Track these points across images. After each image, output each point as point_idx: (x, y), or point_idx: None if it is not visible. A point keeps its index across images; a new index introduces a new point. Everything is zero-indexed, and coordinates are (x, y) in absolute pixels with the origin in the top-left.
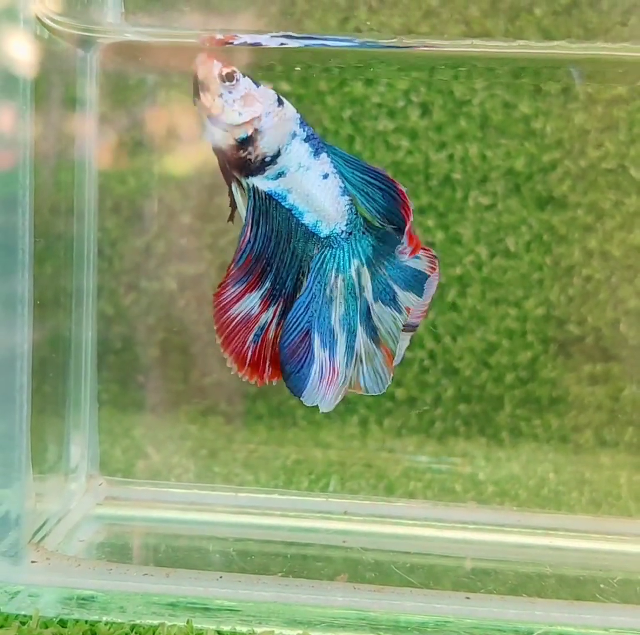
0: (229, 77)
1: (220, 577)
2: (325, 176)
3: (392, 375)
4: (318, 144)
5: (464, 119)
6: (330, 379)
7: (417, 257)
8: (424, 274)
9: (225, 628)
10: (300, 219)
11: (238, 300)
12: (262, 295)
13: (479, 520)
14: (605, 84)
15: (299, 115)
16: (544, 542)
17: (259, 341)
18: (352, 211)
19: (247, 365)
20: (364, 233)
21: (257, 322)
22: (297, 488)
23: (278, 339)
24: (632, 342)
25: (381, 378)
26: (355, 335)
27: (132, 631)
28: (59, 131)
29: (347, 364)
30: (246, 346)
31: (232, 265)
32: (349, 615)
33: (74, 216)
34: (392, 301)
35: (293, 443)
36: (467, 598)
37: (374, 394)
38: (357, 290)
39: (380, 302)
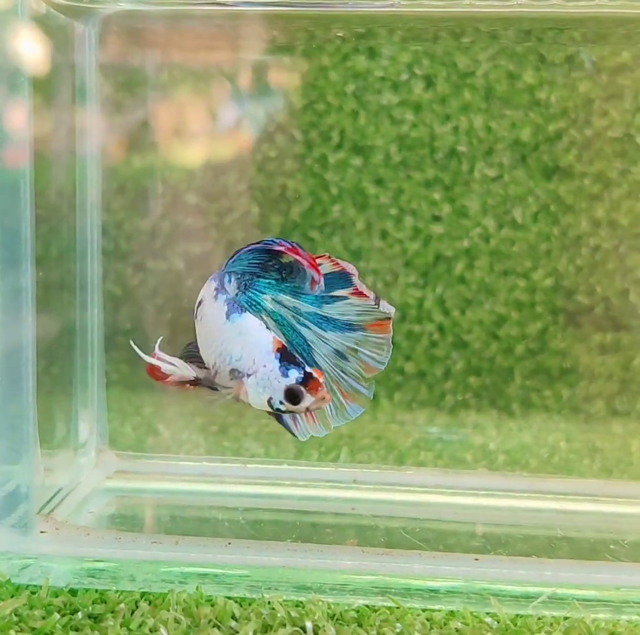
0: None
1: (229, 543)
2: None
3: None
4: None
5: (468, 90)
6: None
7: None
8: (334, 273)
9: (235, 594)
10: None
11: None
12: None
13: (489, 487)
14: (609, 47)
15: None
16: (554, 506)
17: None
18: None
19: None
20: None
21: None
22: (307, 459)
23: None
24: None
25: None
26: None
27: (142, 598)
28: (59, 114)
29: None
30: None
31: None
32: (359, 580)
33: (77, 199)
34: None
35: None
36: (476, 560)
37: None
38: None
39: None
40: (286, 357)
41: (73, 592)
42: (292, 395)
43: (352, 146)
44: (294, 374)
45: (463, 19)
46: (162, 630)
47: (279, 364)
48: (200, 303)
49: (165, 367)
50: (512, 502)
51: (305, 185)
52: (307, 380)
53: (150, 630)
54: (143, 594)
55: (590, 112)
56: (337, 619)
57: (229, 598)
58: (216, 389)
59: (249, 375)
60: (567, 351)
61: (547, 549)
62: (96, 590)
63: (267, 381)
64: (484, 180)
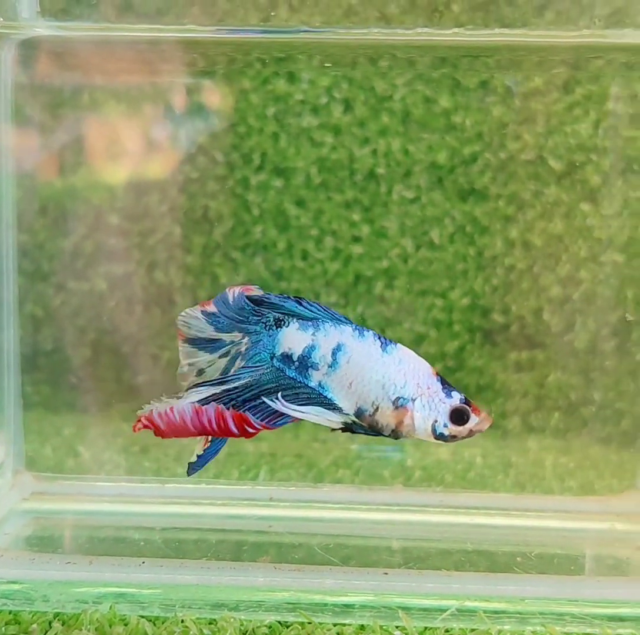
0: None
1: (143, 562)
2: None
3: None
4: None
5: (386, 114)
6: None
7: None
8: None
9: (149, 613)
10: None
11: None
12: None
13: (404, 502)
14: (522, 73)
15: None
16: (465, 520)
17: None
18: None
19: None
20: None
21: None
22: (226, 478)
23: None
24: (555, 330)
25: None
26: None
27: (55, 619)
28: None
29: None
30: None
31: None
32: (272, 597)
33: None
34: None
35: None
36: (385, 574)
37: None
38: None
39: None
40: (444, 381)
41: None
42: (459, 416)
43: (273, 168)
44: (457, 396)
45: (379, 46)
46: None
47: (441, 386)
48: (336, 351)
49: (295, 415)
50: (425, 517)
51: (227, 207)
52: (468, 402)
53: None
54: (57, 615)
55: (504, 136)
56: None
57: (142, 617)
58: (360, 432)
59: (414, 400)
60: (484, 369)
61: (457, 562)
62: (9, 612)
63: (432, 403)
64: (402, 202)
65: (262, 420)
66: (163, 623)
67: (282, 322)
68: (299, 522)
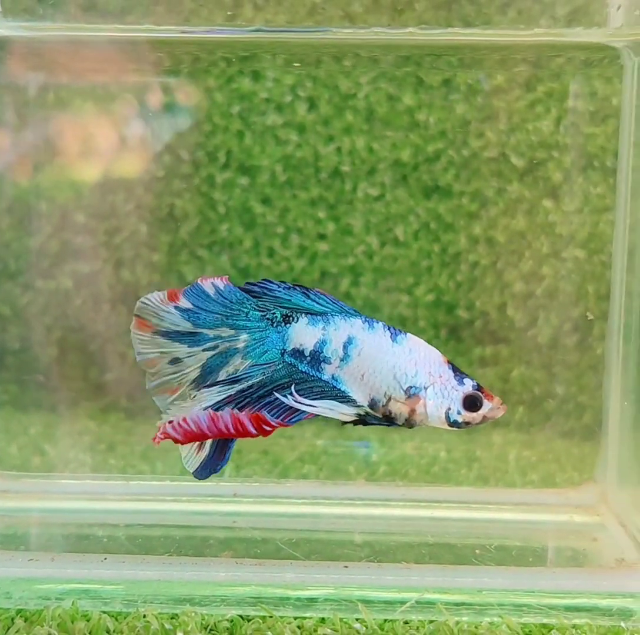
0: None
1: (105, 559)
2: None
3: None
4: None
5: (350, 112)
6: None
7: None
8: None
9: (111, 609)
10: None
11: None
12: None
13: (367, 496)
14: (484, 71)
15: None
16: (426, 514)
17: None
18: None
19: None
20: None
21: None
22: (191, 475)
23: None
24: (518, 325)
25: None
26: None
27: (17, 615)
28: None
29: None
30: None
31: None
32: (233, 591)
33: None
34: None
35: None
36: (345, 567)
37: None
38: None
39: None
40: (456, 369)
41: None
42: (472, 402)
43: (238, 166)
44: (469, 382)
45: (343, 45)
46: None
47: (453, 374)
48: (347, 344)
49: (309, 410)
50: (387, 511)
51: (193, 205)
52: (480, 388)
53: None
54: (19, 611)
55: (467, 133)
56: (211, 630)
57: (104, 612)
58: (374, 423)
59: (426, 388)
60: None
61: (419, 555)
62: None
63: (445, 391)
64: (366, 199)
65: (277, 417)
66: (125, 618)
67: (291, 318)
68: (263, 517)
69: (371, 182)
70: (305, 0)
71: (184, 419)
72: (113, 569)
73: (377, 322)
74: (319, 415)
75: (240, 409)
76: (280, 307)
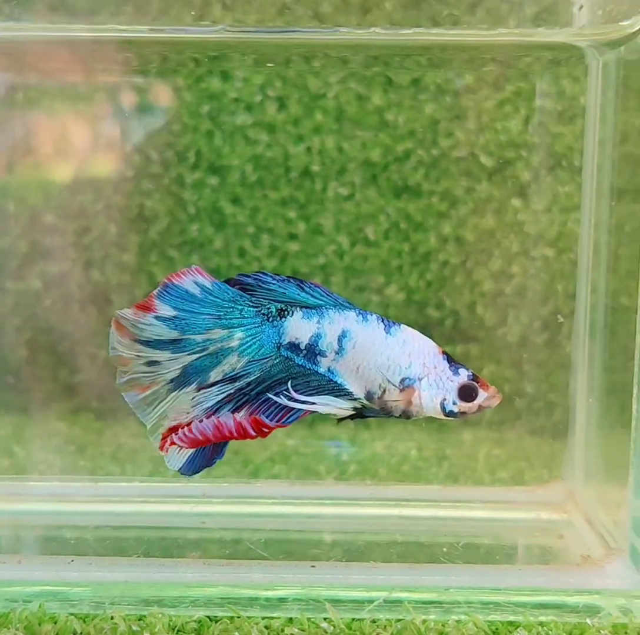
0: None
1: (72, 561)
2: None
3: None
4: None
5: (319, 112)
6: None
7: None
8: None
9: (78, 611)
10: None
11: None
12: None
13: (337, 496)
14: (453, 71)
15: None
16: (395, 512)
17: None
18: None
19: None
20: None
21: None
22: (161, 476)
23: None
24: (488, 324)
25: None
26: None
27: None
28: None
29: None
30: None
31: None
32: (201, 592)
33: None
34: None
35: None
36: (313, 566)
37: None
38: None
39: None
40: (451, 359)
41: None
42: (467, 392)
43: (208, 166)
44: (465, 372)
45: (312, 45)
46: None
47: (448, 364)
48: (341, 337)
49: (306, 407)
50: (356, 510)
51: (163, 205)
52: (476, 378)
53: None
54: None
55: (436, 133)
56: (178, 631)
57: (72, 614)
58: (371, 415)
59: (420, 379)
60: None
61: (387, 554)
62: None
63: (440, 381)
64: (337, 199)
65: (275, 416)
66: (93, 620)
67: (286, 312)
68: (232, 517)
69: (341, 181)
70: (274, 0)
71: (190, 429)
72: (80, 571)
73: (371, 314)
74: (315, 412)
75: (239, 407)
76: (274, 300)
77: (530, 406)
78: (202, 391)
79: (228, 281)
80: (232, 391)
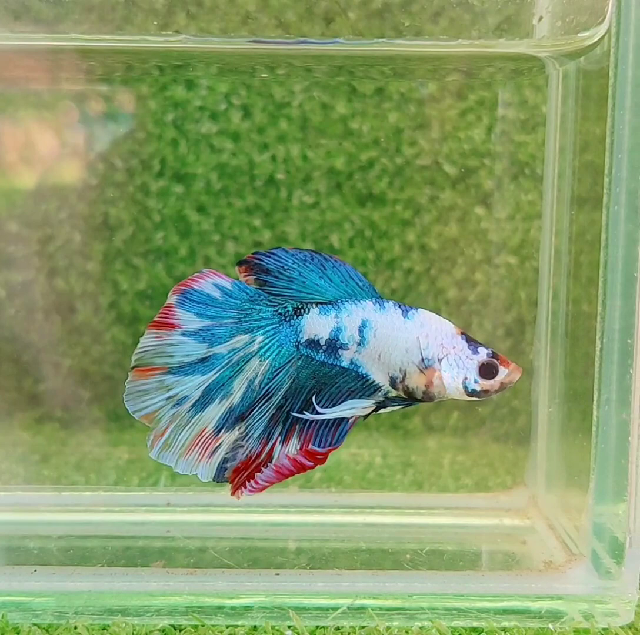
0: None
1: (35, 571)
2: None
3: None
4: None
5: (284, 120)
6: None
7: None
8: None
9: (42, 621)
10: None
11: None
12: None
13: (301, 504)
14: (417, 80)
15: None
16: (359, 520)
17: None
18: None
19: None
20: None
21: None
22: (126, 486)
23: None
24: None
25: None
26: None
27: None
28: None
29: None
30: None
31: None
32: (165, 601)
33: None
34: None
35: (128, 444)
36: (277, 574)
37: None
38: None
39: None
40: (470, 338)
41: None
42: (488, 370)
43: (173, 174)
44: (484, 351)
45: (276, 55)
46: None
47: (467, 344)
48: (362, 328)
49: (331, 416)
50: (321, 517)
51: (128, 213)
52: (495, 355)
53: None
54: None
55: (400, 142)
56: None
57: (35, 625)
58: (393, 405)
59: (440, 360)
60: None
61: (351, 561)
62: None
63: (460, 361)
64: (302, 207)
65: (324, 440)
66: (56, 630)
67: (302, 310)
68: (196, 526)
69: (306, 190)
70: (239, 8)
71: (256, 481)
72: (43, 581)
73: (388, 301)
74: (347, 419)
75: (289, 429)
76: (293, 291)
77: (494, 413)
78: (245, 420)
79: (243, 263)
80: (274, 411)
